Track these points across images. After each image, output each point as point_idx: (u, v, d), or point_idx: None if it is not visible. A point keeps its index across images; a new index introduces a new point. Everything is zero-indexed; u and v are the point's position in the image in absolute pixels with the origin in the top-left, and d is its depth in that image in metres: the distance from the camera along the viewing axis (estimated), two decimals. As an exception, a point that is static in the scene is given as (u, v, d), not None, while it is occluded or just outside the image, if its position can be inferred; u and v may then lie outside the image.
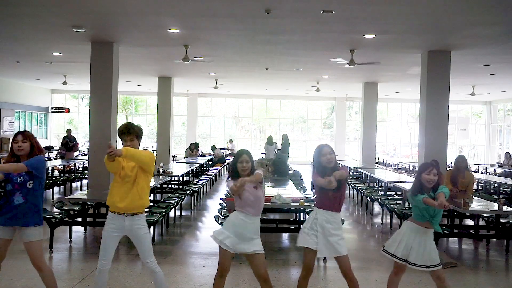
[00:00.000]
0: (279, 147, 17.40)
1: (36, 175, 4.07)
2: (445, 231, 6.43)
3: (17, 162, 4.08)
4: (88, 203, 7.63)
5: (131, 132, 4.18)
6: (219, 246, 4.19)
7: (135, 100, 27.67)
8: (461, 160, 8.11)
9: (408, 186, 9.13)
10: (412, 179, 11.36)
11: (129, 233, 4.15)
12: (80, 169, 14.63)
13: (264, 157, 15.91)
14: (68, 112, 25.15)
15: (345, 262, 4.17)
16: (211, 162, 17.50)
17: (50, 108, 24.65)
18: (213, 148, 19.56)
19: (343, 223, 6.53)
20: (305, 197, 8.04)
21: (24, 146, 4.07)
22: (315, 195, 4.44)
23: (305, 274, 4.27)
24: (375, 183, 12.34)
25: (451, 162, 11.81)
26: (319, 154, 4.27)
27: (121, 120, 25.62)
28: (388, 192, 10.86)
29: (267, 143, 17.05)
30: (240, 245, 4.10)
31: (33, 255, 4.15)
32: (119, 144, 4.33)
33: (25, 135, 4.11)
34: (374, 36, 9.52)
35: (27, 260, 4.21)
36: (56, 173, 14.14)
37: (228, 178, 4.26)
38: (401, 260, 4.20)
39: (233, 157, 4.22)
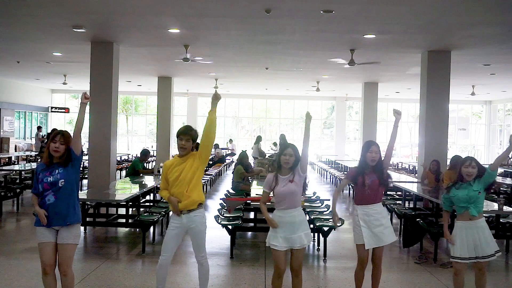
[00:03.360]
0: (268, 146, 17.69)
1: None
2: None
3: (52, 163, 4.01)
4: (88, 203, 7.63)
5: (187, 133, 4.37)
6: (271, 248, 4.22)
7: (135, 100, 27.67)
8: (456, 159, 8.11)
9: (408, 186, 9.13)
10: (412, 179, 11.41)
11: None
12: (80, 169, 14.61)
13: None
14: (68, 112, 25.16)
15: (381, 251, 4.49)
16: (211, 162, 17.48)
17: (50, 108, 24.67)
18: (216, 146, 19.50)
19: (342, 223, 6.57)
20: (305, 197, 8.05)
21: (62, 148, 3.99)
22: (354, 192, 4.70)
23: (360, 267, 4.53)
24: (375, 183, 12.29)
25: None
26: (366, 149, 4.47)
27: (121, 120, 25.66)
28: (388, 192, 10.85)
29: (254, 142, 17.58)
30: (288, 241, 4.15)
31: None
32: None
33: (64, 137, 4.01)
34: (374, 36, 9.53)
35: (26, 260, 4.19)
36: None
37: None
38: (465, 259, 4.37)
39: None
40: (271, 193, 4.30)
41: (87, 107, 4.25)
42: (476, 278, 4.51)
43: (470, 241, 4.35)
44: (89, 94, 4.38)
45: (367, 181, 4.42)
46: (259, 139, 17.45)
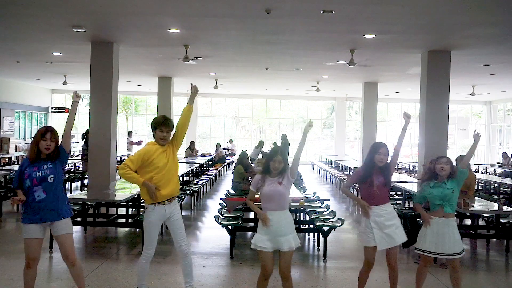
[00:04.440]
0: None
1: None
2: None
3: (38, 159, 4.05)
4: (88, 203, 7.63)
5: (169, 125, 4.47)
6: (258, 250, 4.20)
7: (135, 100, 27.66)
8: (461, 159, 8.11)
9: (408, 186, 9.14)
10: (412, 179, 11.40)
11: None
12: (80, 169, 14.62)
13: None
14: (68, 112, 25.09)
15: (394, 251, 4.47)
16: (211, 162, 17.49)
17: (50, 108, 24.66)
18: (218, 145, 19.48)
19: (342, 223, 6.58)
20: (305, 197, 8.05)
21: (52, 145, 4.07)
22: (359, 193, 4.67)
23: (367, 269, 4.57)
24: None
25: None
26: (375, 150, 4.49)
27: (121, 120, 25.62)
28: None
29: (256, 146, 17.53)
30: (275, 243, 4.13)
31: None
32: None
33: (54, 134, 4.08)
34: (374, 36, 9.53)
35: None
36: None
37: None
38: (430, 253, 4.50)
39: (267, 155, 4.44)
40: (258, 193, 4.30)
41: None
42: (450, 274, 4.66)
43: (438, 238, 4.47)
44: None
45: (375, 182, 4.43)
46: (261, 143, 17.46)
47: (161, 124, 4.42)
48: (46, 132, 4.04)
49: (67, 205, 4.18)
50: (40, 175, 4.00)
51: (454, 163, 8.38)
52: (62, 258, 4.18)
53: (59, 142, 4.13)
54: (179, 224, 4.52)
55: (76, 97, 4.16)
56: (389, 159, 4.56)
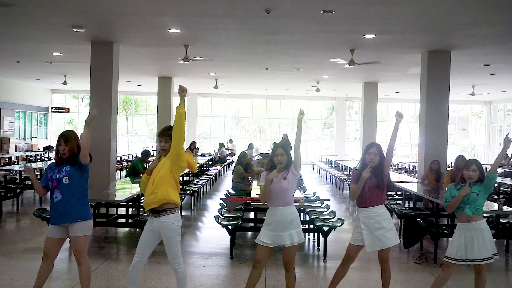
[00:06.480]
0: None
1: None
2: (445, 231, 6.44)
3: (61, 162, 4.22)
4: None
5: (164, 134, 4.13)
6: (257, 244, 4.26)
7: (135, 100, 27.66)
8: (460, 160, 8.14)
9: (408, 186, 9.13)
10: (412, 179, 11.41)
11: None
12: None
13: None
14: (68, 112, 25.14)
15: (386, 253, 4.41)
16: (211, 162, 17.49)
17: (50, 108, 24.65)
18: (221, 145, 19.46)
19: (342, 223, 6.57)
20: (305, 197, 8.05)
21: (66, 150, 4.18)
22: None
23: (343, 263, 4.60)
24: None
25: (451, 162, 11.82)
26: (366, 150, 4.47)
27: (121, 120, 25.64)
28: (388, 192, 10.84)
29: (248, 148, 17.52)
30: (277, 238, 4.19)
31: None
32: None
33: (66, 139, 4.18)
34: (374, 36, 9.53)
35: (27, 260, 4.21)
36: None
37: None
38: (460, 261, 4.37)
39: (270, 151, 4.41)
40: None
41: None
42: (475, 278, 4.56)
43: (467, 243, 4.34)
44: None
45: (368, 183, 4.37)
46: (250, 146, 17.53)
47: (158, 134, 4.20)
48: (60, 139, 4.19)
49: (85, 208, 4.28)
50: (58, 176, 4.16)
51: (454, 164, 8.41)
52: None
53: (75, 149, 4.20)
54: (168, 244, 4.07)
55: (90, 121, 4.17)
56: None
